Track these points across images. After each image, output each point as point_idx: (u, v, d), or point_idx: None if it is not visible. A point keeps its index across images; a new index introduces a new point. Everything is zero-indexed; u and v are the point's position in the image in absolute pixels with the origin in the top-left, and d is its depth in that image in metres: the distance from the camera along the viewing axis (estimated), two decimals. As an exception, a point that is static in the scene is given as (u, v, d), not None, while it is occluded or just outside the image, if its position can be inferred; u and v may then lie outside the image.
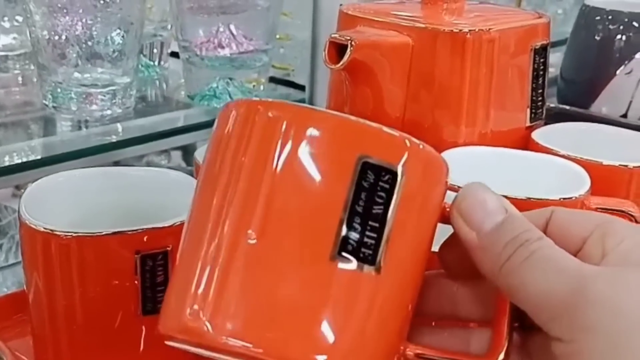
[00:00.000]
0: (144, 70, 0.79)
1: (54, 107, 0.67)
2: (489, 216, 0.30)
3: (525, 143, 0.56)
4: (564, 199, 0.45)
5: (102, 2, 0.64)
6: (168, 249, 0.38)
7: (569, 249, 0.30)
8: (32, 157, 0.63)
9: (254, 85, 0.74)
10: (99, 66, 0.67)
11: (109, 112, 0.68)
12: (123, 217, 0.43)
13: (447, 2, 0.56)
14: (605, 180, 0.50)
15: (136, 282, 0.38)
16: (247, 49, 0.74)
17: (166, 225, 0.39)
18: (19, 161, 0.63)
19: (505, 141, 0.54)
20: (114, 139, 0.69)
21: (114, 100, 0.68)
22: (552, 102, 0.72)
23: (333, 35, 0.50)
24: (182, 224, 0.39)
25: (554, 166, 0.50)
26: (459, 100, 0.52)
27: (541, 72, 0.57)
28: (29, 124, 0.69)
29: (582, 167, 0.49)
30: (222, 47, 0.73)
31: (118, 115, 0.69)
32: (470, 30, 0.52)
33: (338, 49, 0.50)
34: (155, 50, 0.79)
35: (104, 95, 0.68)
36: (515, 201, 0.44)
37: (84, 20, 0.64)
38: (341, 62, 0.50)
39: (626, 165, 0.52)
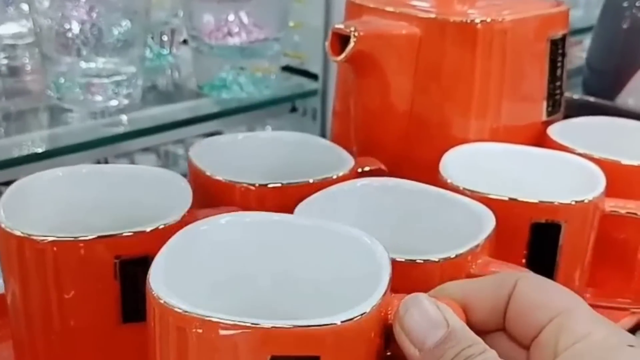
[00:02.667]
0: (155, 59, 0.77)
1: (57, 97, 0.66)
2: (430, 331, 0.29)
3: (542, 138, 0.53)
4: (576, 201, 0.42)
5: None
6: (149, 255, 0.36)
7: (526, 334, 0.30)
8: (35, 150, 0.62)
9: (265, 75, 0.72)
10: (102, 56, 0.65)
11: (114, 102, 0.66)
12: (106, 216, 0.42)
13: None
14: (624, 180, 0.47)
15: (116, 287, 0.37)
16: (257, 37, 0.71)
17: (146, 230, 0.37)
18: (21, 154, 0.62)
19: (520, 137, 0.51)
20: (121, 129, 0.67)
21: (118, 91, 0.66)
22: (576, 94, 0.68)
23: (336, 26, 0.48)
24: (164, 227, 0.39)
25: (568, 165, 0.47)
26: (469, 94, 0.49)
27: (559, 64, 0.54)
28: (34, 115, 0.68)
29: (598, 167, 0.46)
30: (232, 36, 0.70)
31: (124, 106, 0.68)
32: (481, 21, 0.49)
33: (342, 40, 0.48)
34: (165, 38, 0.77)
35: (109, 86, 0.66)
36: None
37: (86, 8, 0.63)
38: (343, 54, 0.47)
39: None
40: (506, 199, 0.42)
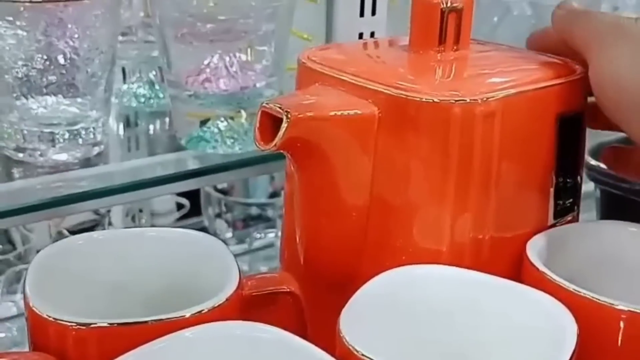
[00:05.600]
0: (142, 98, 0.68)
1: (3, 147, 0.57)
2: None
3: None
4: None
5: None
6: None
7: None
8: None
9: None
10: (60, 100, 0.56)
11: (73, 154, 0.57)
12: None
13: (441, 49, 0.41)
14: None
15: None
16: (246, 83, 0.61)
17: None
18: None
19: (513, 248, 0.39)
20: (83, 187, 0.58)
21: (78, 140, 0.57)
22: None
23: (265, 104, 0.37)
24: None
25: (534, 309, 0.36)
26: (440, 197, 0.37)
27: (573, 149, 0.41)
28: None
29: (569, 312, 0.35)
30: (215, 81, 0.60)
31: (91, 158, 0.59)
32: (458, 101, 0.37)
33: (275, 122, 0.37)
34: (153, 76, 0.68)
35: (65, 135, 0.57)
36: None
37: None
38: (273, 142, 0.36)
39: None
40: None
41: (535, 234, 0.41)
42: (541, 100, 0.40)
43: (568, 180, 0.42)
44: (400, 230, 0.39)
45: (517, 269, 0.39)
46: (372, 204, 0.39)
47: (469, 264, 0.38)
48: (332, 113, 0.38)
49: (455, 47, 0.42)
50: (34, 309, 0.36)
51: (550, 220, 0.42)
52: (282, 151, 0.37)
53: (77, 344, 0.35)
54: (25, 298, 0.37)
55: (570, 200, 0.43)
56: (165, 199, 1.00)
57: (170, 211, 1.01)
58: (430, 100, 0.37)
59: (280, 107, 0.36)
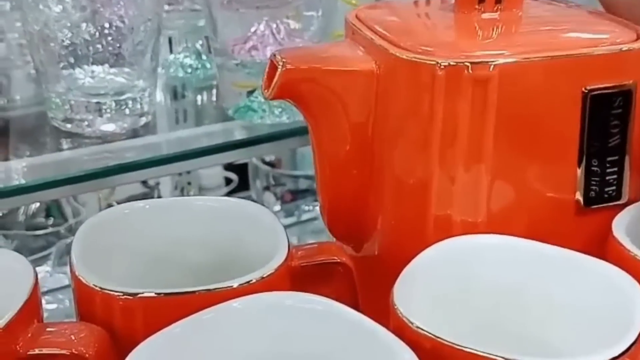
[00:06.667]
0: (188, 69, 0.67)
1: (51, 117, 0.57)
2: None
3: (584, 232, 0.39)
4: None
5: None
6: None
7: None
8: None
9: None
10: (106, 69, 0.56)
11: (121, 124, 0.57)
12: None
13: (480, 9, 0.39)
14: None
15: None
16: (294, 50, 0.59)
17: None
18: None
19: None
20: (130, 158, 0.57)
21: (125, 111, 0.57)
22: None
23: (272, 54, 0.38)
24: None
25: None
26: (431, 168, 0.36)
27: (615, 130, 0.38)
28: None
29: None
30: (262, 49, 0.59)
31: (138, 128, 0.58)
32: (446, 64, 0.35)
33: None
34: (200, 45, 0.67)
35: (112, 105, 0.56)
36: None
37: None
38: (270, 89, 0.37)
39: None
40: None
41: (558, 220, 0.39)
42: (560, 72, 0.37)
43: (607, 164, 0.39)
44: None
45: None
46: (373, 164, 0.39)
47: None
48: (327, 68, 0.38)
49: (497, 7, 0.40)
50: (80, 278, 0.36)
51: (582, 206, 0.39)
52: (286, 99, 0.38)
53: (123, 314, 0.35)
54: (71, 268, 0.37)
55: (613, 188, 0.40)
56: (213, 173, 0.99)
57: (218, 186, 1.01)
58: (417, 60, 0.36)
59: (278, 57, 0.37)
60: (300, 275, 0.39)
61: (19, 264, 0.36)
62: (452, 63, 0.36)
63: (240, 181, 0.99)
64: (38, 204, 0.81)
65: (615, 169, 0.39)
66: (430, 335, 0.30)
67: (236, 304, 0.33)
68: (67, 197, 0.80)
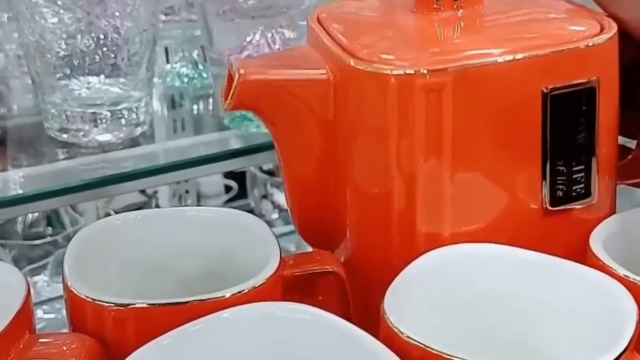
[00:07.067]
0: (185, 78, 0.67)
1: (48, 127, 0.57)
2: None
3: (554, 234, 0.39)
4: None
5: None
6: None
7: None
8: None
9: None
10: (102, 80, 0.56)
11: (117, 134, 0.57)
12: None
13: (438, 8, 0.39)
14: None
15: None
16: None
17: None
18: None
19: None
20: (127, 167, 0.58)
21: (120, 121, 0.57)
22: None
23: (232, 60, 0.38)
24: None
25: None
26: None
27: (575, 128, 0.38)
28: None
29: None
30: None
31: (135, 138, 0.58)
32: (400, 73, 0.35)
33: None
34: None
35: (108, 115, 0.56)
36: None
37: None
38: (228, 99, 0.37)
39: None
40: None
41: (524, 223, 0.39)
42: (520, 73, 0.36)
43: (573, 164, 0.38)
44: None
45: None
46: (337, 172, 0.39)
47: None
48: (282, 77, 0.37)
49: (456, 6, 0.39)
50: (72, 289, 0.36)
51: (547, 207, 0.39)
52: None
53: (115, 325, 0.35)
54: (63, 279, 0.37)
55: (581, 186, 0.39)
56: (213, 181, 0.99)
57: (217, 193, 1.01)
58: (370, 70, 0.36)
59: (234, 67, 0.36)
60: (293, 284, 0.39)
61: (11, 276, 0.36)
62: (406, 72, 0.35)
63: (240, 189, 0.99)
64: (36, 214, 0.82)
65: (582, 167, 0.39)
66: (419, 344, 0.30)
67: (226, 315, 0.33)
68: (65, 207, 0.80)
